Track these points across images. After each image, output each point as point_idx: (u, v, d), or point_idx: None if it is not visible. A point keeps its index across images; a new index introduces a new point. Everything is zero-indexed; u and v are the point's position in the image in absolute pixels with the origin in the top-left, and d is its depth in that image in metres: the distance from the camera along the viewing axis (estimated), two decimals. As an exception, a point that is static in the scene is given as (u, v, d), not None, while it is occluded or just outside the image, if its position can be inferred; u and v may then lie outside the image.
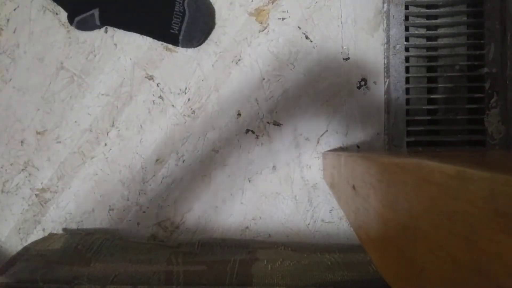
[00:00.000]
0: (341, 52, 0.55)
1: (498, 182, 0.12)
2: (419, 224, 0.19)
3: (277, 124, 0.56)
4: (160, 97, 0.57)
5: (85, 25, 0.55)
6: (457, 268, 0.15)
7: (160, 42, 0.57)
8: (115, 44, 0.58)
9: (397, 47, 0.54)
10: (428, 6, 0.54)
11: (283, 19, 0.56)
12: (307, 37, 0.56)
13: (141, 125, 0.57)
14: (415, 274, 0.19)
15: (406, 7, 0.54)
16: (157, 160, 0.57)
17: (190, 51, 0.57)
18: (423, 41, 0.55)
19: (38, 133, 0.58)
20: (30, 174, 0.59)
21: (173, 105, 0.57)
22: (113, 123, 0.58)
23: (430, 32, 0.55)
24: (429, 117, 0.54)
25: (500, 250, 0.12)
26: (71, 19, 0.55)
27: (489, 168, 0.14)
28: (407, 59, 0.54)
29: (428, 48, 0.55)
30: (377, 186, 0.27)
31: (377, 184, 0.27)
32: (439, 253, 0.17)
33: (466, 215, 0.14)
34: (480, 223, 0.13)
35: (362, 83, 0.55)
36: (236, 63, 0.56)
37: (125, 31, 0.56)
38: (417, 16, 0.55)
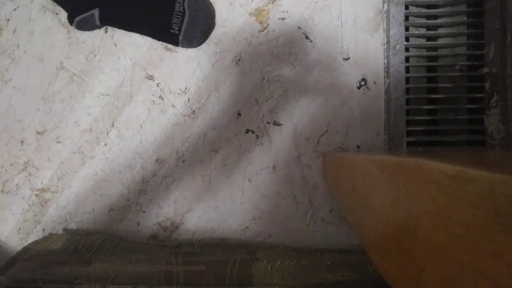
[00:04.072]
0: (341, 52, 0.55)
1: (498, 182, 0.12)
2: (419, 224, 0.19)
3: (277, 124, 0.56)
4: (160, 97, 0.57)
5: (85, 25, 0.55)
6: (457, 268, 0.15)
7: (160, 42, 0.57)
8: (115, 44, 0.58)
9: (397, 47, 0.54)
10: (428, 6, 0.54)
11: (283, 19, 0.56)
12: (307, 37, 0.56)
13: (141, 125, 0.57)
14: (415, 274, 0.19)
15: (406, 7, 0.54)
16: (157, 160, 0.57)
17: (190, 51, 0.57)
18: (423, 41, 0.55)
19: (38, 133, 0.58)
20: (30, 174, 0.59)
21: (173, 105, 0.57)
22: (113, 123, 0.58)
23: (430, 32, 0.55)
24: (429, 117, 0.54)
25: (499, 250, 0.12)
26: (71, 19, 0.55)
27: (489, 168, 0.14)
28: (407, 59, 0.54)
29: (428, 48, 0.55)
30: (377, 186, 0.27)
31: (377, 184, 0.27)
32: (439, 253, 0.17)
33: (466, 215, 0.14)
34: (480, 223, 0.13)
35: (362, 83, 0.55)
36: (236, 63, 0.56)
37: (125, 31, 0.56)
38: (417, 16, 0.55)
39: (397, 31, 0.54)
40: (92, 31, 0.57)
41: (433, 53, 0.55)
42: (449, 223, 0.16)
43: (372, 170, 0.28)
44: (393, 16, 0.54)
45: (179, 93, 0.57)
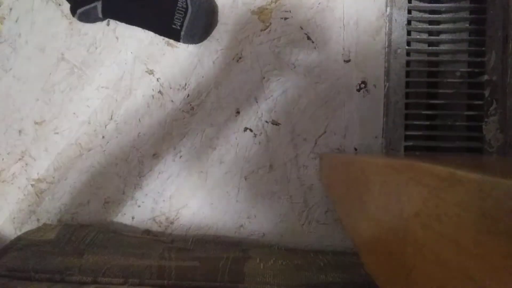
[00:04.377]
0: (342, 54, 0.55)
1: (486, 183, 0.12)
2: (409, 225, 0.19)
3: (275, 123, 0.56)
4: (159, 92, 0.57)
5: (88, 17, 0.55)
6: (445, 269, 0.15)
7: (162, 37, 0.57)
8: (117, 37, 0.57)
9: (398, 51, 0.54)
10: (431, 12, 0.54)
11: (285, 18, 0.56)
12: (308, 38, 0.56)
13: (139, 119, 0.57)
14: (403, 276, 0.19)
15: (409, 12, 0.54)
16: (154, 155, 0.57)
17: (191, 47, 0.57)
18: (424, 46, 0.55)
19: (36, 123, 0.58)
20: (26, 164, 0.59)
21: (172, 101, 0.57)
22: (111, 116, 0.58)
23: (432, 37, 0.55)
24: (427, 123, 0.54)
25: (485, 252, 0.12)
26: (73, 11, 0.55)
27: (478, 170, 0.14)
28: (408, 63, 0.54)
29: (429, 54, 0.55)
30: (370, 188, 0.27)
31: (371, 185, 0.27)
32: (427, 254, 0.17)
33: (454, 217, 0.14)
34: (468, 225, 0.13)
35: (362, 85, 0.55)
36: (237, 61, 0.56)
37: (127, 25, 0.56)
38: (420, 21, 0.55)
39: (399, 35, 0.54)
40: (94, 24, 0.57)
41: (434, 58, 0.55)
42: (438, 224, 0.16)
43: (366, 172, 0.28)
44: (396, 20, 0.54)
45: (178, 89, 0.57)
